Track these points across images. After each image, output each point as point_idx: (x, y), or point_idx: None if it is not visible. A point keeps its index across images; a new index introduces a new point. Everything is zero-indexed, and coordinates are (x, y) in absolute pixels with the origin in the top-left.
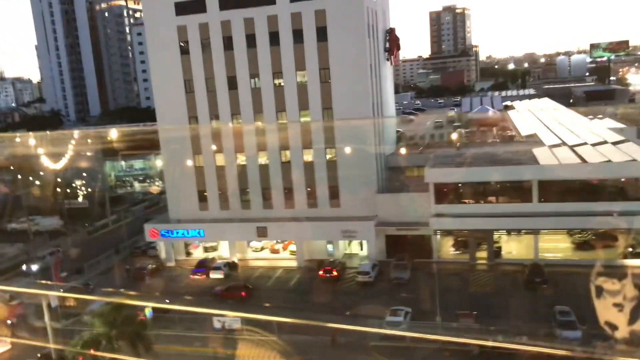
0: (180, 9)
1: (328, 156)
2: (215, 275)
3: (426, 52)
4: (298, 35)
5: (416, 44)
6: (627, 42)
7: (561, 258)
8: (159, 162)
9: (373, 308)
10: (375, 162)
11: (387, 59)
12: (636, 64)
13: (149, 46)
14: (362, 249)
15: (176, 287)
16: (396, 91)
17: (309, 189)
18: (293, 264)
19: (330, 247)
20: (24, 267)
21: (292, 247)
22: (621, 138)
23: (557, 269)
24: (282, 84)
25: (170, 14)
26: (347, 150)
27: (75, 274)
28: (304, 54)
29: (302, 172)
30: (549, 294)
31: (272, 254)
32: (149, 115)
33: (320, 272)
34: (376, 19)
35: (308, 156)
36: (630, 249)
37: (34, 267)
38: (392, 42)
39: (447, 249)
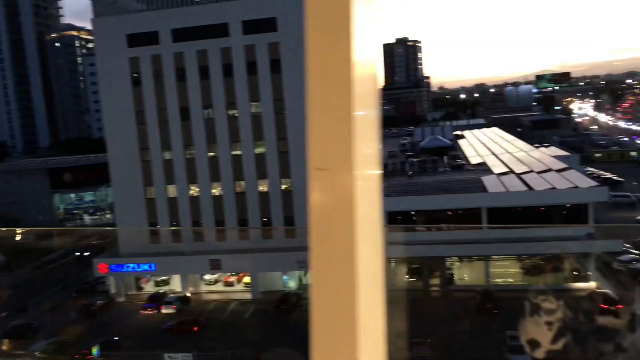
0: (133, 41)
1: (283, 186)
2: (166, 310)
3: (380, 83)
4: (252, 67)
5: None
6: (569, 73)
7: (511, 283)
8: (109, 194)
9: None
10: None
11: None
12: (578, 95)
13: (100, 77)
14: None
15: (126, 323)
16: None
17: (264, 220)
18: (248, 296)
19: (286, 278)
20: None
21: (247, 279)
22: (565, 166)
23: (507, 294)
24: (237, 114)
25: (122, 45)
26: (303, 180)
27: (18, 312)
28: (258, 85)
29: (256, 202)
30: (500, 319)
31: (226, 287)
32: (100, 146)
33: (276, 304)
34: None
35: (263, 186)
36: (576, 273)
37: None
38: None
39: (401, 276)
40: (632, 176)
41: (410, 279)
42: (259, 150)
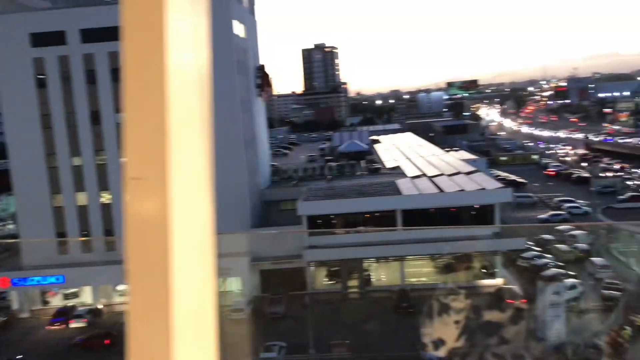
0: (37, 40)
1: None
2: (76, 323)
3: (300, 88)
4: None
5: (291, 80)
6: (476, 81)
7: (425, 282)
8: (11, 203)
9: (247, 345)
10: (250, 197)
11: (259, 95)
12: (485, 101)
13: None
14: (236, 286)
15: (31, 340)
16: (272, 126)
17: None
18: None
19: None
20: None
21: None
22: (472, 169)
23: (422, 293)
24: None
25: (25, 44)
26: (220, 186)
27: None
28: None
29: None
30: (416, 318)
31: None
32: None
33: None
34: (246, 56)
35: None
36: (484, 270)
37: None
38: (262, 78)
39: (320, 279)
40: (534, 178)
41: (330, 282)
42: None
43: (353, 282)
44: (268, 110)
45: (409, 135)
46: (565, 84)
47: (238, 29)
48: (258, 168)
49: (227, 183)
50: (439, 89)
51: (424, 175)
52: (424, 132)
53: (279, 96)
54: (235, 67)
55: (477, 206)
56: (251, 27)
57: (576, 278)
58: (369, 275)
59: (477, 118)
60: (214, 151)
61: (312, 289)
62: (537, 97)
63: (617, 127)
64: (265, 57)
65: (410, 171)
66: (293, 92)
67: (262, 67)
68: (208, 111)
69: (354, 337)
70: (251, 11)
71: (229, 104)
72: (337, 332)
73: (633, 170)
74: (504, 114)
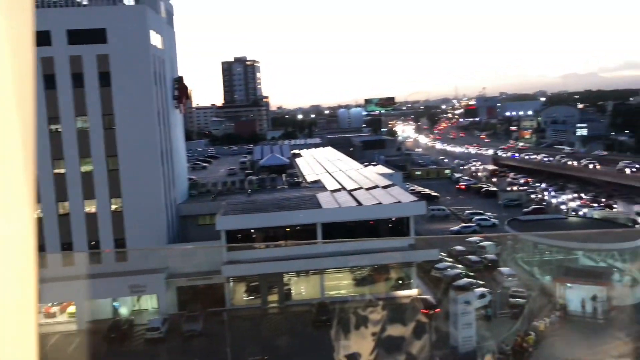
0: None
1: (113, 207)
2: None
3: (219, 101)
4: (78, 79)
5: (210, 93)
6: (393, 98)
7: (344, 294)
8: None
9: None
10: (166, 212)
11: (176, 107)
12: (402, 118)
13: None
14: (152, 304)
15: None
16: (190, 138)
17: (93, 243)
18: (73, 327)
19: (116, 304)
20: None
21: (72, 309)
22: (389, 182)
23: (341, 306)
24: (60, 129)
25: None
26: (135, 199)
27: None
28: (84, 98)
29: (82, 225)
30: (335, 331)
31: (46, 319)
32: None
33: (105, 334)
34: (163, 67)
35: (90, 207)
36: (400, 281)
37: None
38: (180, 90)
39: (240, 295)
40: (446, 192)
41: (249, 297)
42: (85, 168)
43: (273, 297)
44: (187, 123)
45: (329, 150)
46: (474, 102)
47: (155, 39)
48: (175, 181)
49: (142, 197)
50: (358, 105)
51: (344, 188)
52: (343, 146)
53: (198, 108)
54: (152, 78)
55: (394, 219)
56: (169, 38)
57: (485, 287)
58: (289, 289)
59: (394, 134)
60: (129, 164)
61: (230, 305)
62: (450, 115)
63: (521, 144)
64: (184, 69)
65: (330, 185)
66: (213, 105)
67: (180, 79)
68: (32, 116)
69: (273, 352)
70: (169, 22)
71: (144, 115)
72: (255, 348)
73: (536, 184)
74: (418, 130)
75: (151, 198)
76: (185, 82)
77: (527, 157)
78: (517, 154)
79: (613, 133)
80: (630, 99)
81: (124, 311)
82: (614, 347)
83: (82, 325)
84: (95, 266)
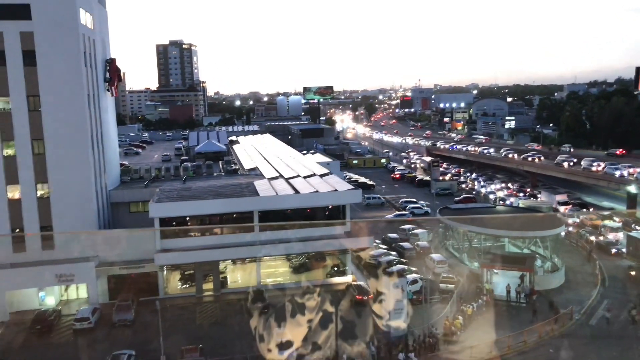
0: None
1: (40, 192)
2: None
3: (154, 85)
4: None
5: (144, 76)
6: (332, 87)
7: (281, 282)
8: None
9: (93, 356)
10: (96, 198)
11: (108, 90)
12: (340, 107)
13: None
14: (81, 293)
15: None
16: (123, 123)
17: (15, 230)
18: None
19: (42, 294)
20: None
21: None
22: (326, 171)
23: (277, 293)
24: None
25: None
26: (63, 185)
27: None
28: (6, 77)
29: (5, 211)
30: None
31: None
32: None
33: (30, 325)
34: (94, 48)
35: (14, 193)
36: (336, 268)
37: None
38: (112, 72)
39: (174, 284)
40: (382, 180)
41: (184, 286)
42: (8, 151)
43: (208, 285)
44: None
45: (267, 137)
46: (410, 94)
47: (85, 18)
48: (106, 167)
49: (70, 182)
50: (297, 94)
51: (281, 176)
52: (282, 134)
53: (132, 92)
54: (82, 59)
55: (330, 207)
56: (101, 18)
57: (417, 273)
58: (225, 277)
59: (332, 123)
60: (56, 148)
61: (164, 294)
62: (386, 105)
63: (454, 135)
64: (118, 52)
65: (268, 173)
66: (147, 89)
67: (112, 61)
68: None
69: (207, 341)
70: (101, 2)
71: (73, 97)
72: (189, 337)
73: (467, 174)
74: (356, 119)
75: (80, 184)
76: (118, 64)
77: (464, 148)
78: (455, 145)
79: (539, 126)
80: (555, 94)
81: (50, 301)
82: (534, 328)
83: (4, 316)
84: (19, 254)
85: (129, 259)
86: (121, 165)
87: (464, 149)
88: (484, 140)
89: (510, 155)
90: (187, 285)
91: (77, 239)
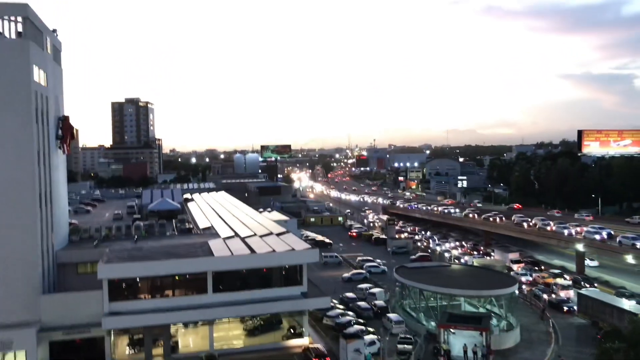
0: None
1: None
2: None
3: (109, 142)
4: None
5: (98, 133)
6: (289, 146)
7: (235, 346)
8: None
9: None
10: (42, 259)
11: (59, 147)
12: (298, 165)
13: None
14: None
15: None
16: (74, 180)
17: None
18: None
19: None
20: None
21: None
22: (283, 230)
23: (231, 357)
24: None
25: None
26: (7, 245)
27: None
28: None
29: None
30: None
31: None
32: None
33: None
34: (47, 105)
35: None
36: (292, 330)
37: None
38: (65, 129)
39: (122, 349)
40: (339, 238)
41: (132, 352)
42: None
43: (158, 351)
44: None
45: (223, 195)
46: (365, 153)
47: (39, 75)
48: (54, 226)
49: (14, 243)
50: (255, 151)
51: (237, 235)
52: (239, 192)
53: (85, 149)
54: (33, 116)
55: (287, 266)
56: (55, 76)
57: (375, 334)
58: (176, 341)
59: (290, 181)
60: (2, 206)
61: None
62: (343, 164)
63: (407, 194)
64: (72, 109)
65: (224, 232)
66: (101, 146)
67: (65, 118)
68: None
69: None
70: (56, 59)
71: (22, 154)
72: None
73: (422, 232)
74: (313, 177)
75: (25, 244)
76: (72, 121)
77: (424, 207)
78: (414, 204)
79: (490, 185)
80: (505, 154)
81: None
82: None
83: None
84: None
85: (74, 324)
86: (70, 224)
87: (424, 208)
88: (448, 202)
89: (470, 215)
90: (136, 351)
91: (18, 303)
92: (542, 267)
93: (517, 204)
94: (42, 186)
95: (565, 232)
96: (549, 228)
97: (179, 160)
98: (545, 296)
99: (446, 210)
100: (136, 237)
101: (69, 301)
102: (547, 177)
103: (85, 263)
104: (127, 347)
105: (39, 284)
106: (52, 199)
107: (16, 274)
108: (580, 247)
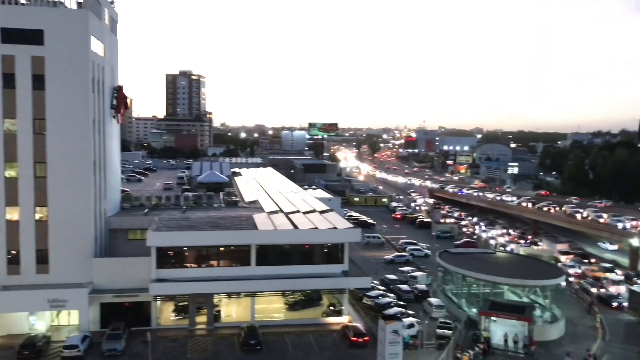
0: None
1: (38, 215)
2: None
3: (161, 113)
4: (9, 80)
5: (152, 104)
6: (336, 124)
7: (275, 319)
8: None
9: None
10: (94, 224)
11: (114, 116)
12: (344, 144)
13: None
14: (72, 320)
15: None
16: (127, 149)
17: (13, 252)
18: None
19: (32, 319)
20: None
21: None
22: (327, 208)
23: (271, 330)
24: None
25: None
26: (62, 209)
27: None
28: (14, 100)
29: (2, 233)
30: (263, 356)
31: None
32: None
33: (18, 350)
34: (103, 75)
35: (13, 214)
36: (332, 308)
37: None
38: (119, 99)
39: (167, 315)
40: (382, 220)
41: (177, 318)
42: (10, 173)
43: (201, 318)
44: (125, 134)
45: (270, 171)
46: (414, 135)
47: (96, 46)
48: (107, 193)
49: (69, 207)
50: (302, 129)
51: (281, 211)
52: (285, 168)
53: (138, 119)
54: (90, 85)
55: (329, 244)
56: (111, 46)
57: (414, 317)
58: (219, 310)
59: (335, 159)
60: (58, 171)
61: (156, 325)
62: (390, 145)
63: (456, 178)
64: (126, 79)
65: (268, 206)
66: (154, 117)
67: (119, 88)
68: None
69: None
70: (113, 30)
71: (79, 122)
72: None
73: (468, 217)
74: (360, 157)
75: (80, 209)
76: (126, 92)
77: (474, 194)
78: (463, 189)
79: (542, 173)
80: (559, 142)
81: (40, 326)
82: None
83: None
84: (12, 277)
85: (123, 287)
86: (123, 191)
87: (475, 194)
88: (476, 185)
89: (524, 204)
90: (180, 317)
91: (72, 265)
92: (592, 260)
93: (544, 191)
94: (97, 154)
95: (619, 225)
96: (601, 220)
97: (229, 134)
98: (594, 290)
99: (498, 198)
100: (184, 207)
101: (119, 266)
102: (603, 168)
103: (135, 230)
104: (172, 313)
105: (92, 247)
106: (105, 167)
107: (71, 237)
108: (635, 241)
